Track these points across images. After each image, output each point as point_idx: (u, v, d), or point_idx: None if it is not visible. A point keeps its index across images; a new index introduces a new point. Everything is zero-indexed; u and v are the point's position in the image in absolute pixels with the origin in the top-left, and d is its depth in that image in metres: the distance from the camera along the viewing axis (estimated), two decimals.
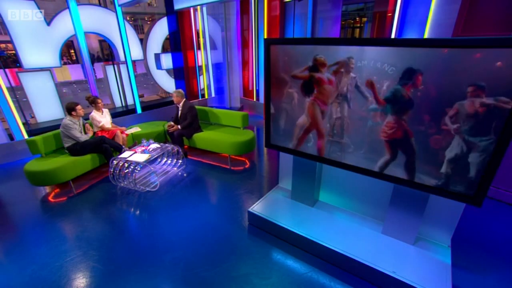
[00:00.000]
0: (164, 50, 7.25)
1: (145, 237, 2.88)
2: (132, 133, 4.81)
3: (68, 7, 5.16)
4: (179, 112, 4.69)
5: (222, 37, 7.37)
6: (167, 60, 6.90)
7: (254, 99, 7.50)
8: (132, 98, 6.50)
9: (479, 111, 1.64)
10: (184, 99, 4.69)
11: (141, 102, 6.67)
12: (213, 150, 4.56)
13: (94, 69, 6.03)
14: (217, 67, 7.94)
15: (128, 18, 12.51)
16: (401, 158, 2.04)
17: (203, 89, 8.00)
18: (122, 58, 6.21)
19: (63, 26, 5.25)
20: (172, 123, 4.76)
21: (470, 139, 1.72)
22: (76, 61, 20.22)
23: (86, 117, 4.41)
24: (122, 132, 4.53)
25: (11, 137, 4.90)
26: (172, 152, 4.49)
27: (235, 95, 7.86)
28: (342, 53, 2.04)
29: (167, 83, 7.50)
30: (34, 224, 3.14)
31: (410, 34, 4.13)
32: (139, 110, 6.49)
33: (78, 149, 3.87)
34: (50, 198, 3.67)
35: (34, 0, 4.78)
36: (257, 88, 7.35)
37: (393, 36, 4.29)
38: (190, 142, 4.74)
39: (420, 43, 1.73)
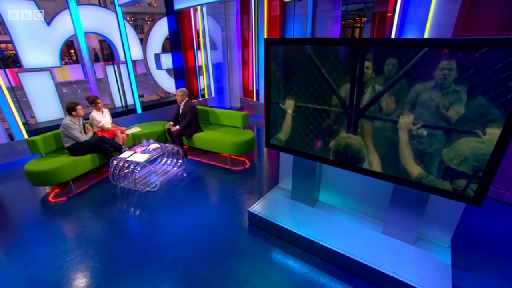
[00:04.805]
0: (164, 50, 7.24)
1: (145, 237, 2.88)
2: (132, 133, 4.81)
3: (68, 7, 5.15)
4: (180, 110, 4.69)
5: (222, 37, 7.37)
6: (167, 60, 6.90)
7: (254, 99, 7.50)
8: (132, 98, 6.50)
9: (479, 111, 1.64)
10: (187, 98, 4.71)
11: (141, 102, 6.66)
12: (213, 150, 4.55)
13: (94, 69, 6.02)
14: (217, 67, 7.94)
15: (128, 18, 12.50)
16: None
17: (203, 89, 8.00)
18: (122, 58, 6.20)
19: (63, 26, 5.25)
20: (171, 123, 4.75)
21: (470, 139, 1.72)
22: (77, 61, 20.22)
23: (86, 117, 4.41)
24: (122, 132, 4.53)
25: (11, 137, 4.90)
26: (172, 152, 4.49)
27: (235, 95, 7.86)
28: None
29: (167, 83, 7.49)
30: (34, 224, 3.14)
31: (410, 34, 4.13)
32: (139, 110, 6.49)
33: (78, 149, 3.87)
34: (50, 198, 3.67)
35: (34, 0, 4.77)
36: (257, 88, 7.35)
37: (393, 36, 4.29)
38: (190, 142, 4.73)
39: (420, 43, 1.73)
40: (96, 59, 18.82)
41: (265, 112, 2.75)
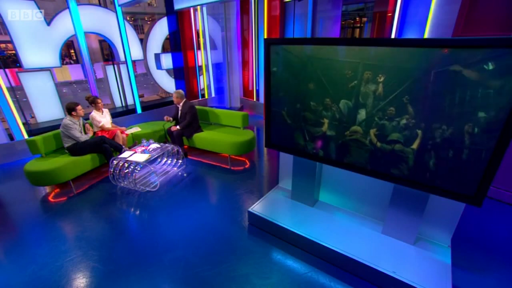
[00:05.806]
0: (164, 50, 7.25)
1: (145, 237, 2.88)
2: (132, 133, 4.81)
3: (68, 7, 5.15)
4: (179, 112, 4.69)
5: (222, 37, 7.37)
6: (167, 60, 6.90)
7: (254, 99, 7.50)
8: (132, 98, 6.50)
9: (479, 111, 1.64)
10: (184, 100, 4.70)
11: (141, 102, 6.67)
12: (213, 150, 4.55)
13: (94, 69, 6.02)
14: (217, 67, 7.94)
15: (128, 18, 12.48)
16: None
17: (203, 89, 8.00)
18: (122, 58, 6.21)
19: (63, 26, 5.25)
20: (171, 118, 4.74)
21: (470, 139, 1.73)
22: (77, 61, 20.21)
23: (86, 117, 4.41)
24: (122, 132, 4.52)
25: (11, 137, 4.89)
26: (172, 152, 4.49)
27: (235, 95, 7.85)
28: None
29: (167, 83, 7.49)
30: (34, 224, 3.14)
31: (410, 34, 4.13)
32: (139, 110, 6.49)
33: (78, 149, 3.87)
34: (50, 198, 3.67)
35: (34, 0, 4.77)
36: (257, 88, 7.35)
37: (393, 36, 4.29)
38: (190, 142, 4.73)
39: (420, 43, 1.73)
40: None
41: (265, 112, 2.75)
